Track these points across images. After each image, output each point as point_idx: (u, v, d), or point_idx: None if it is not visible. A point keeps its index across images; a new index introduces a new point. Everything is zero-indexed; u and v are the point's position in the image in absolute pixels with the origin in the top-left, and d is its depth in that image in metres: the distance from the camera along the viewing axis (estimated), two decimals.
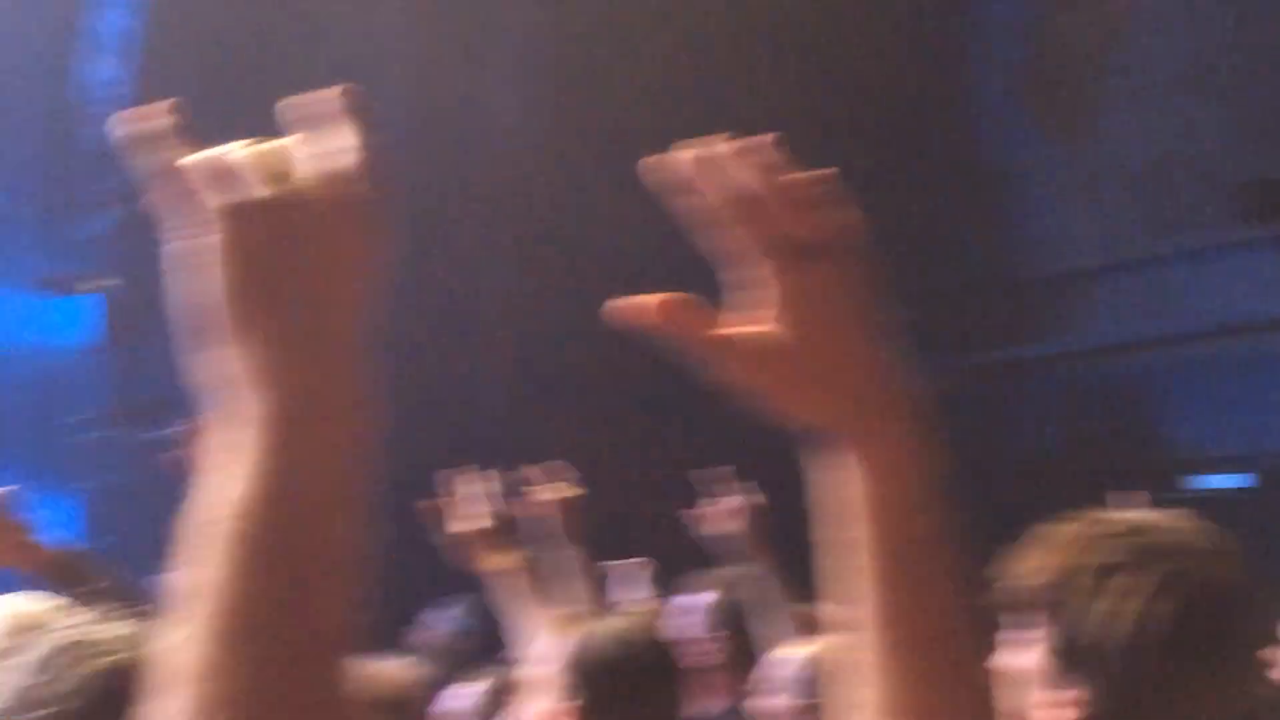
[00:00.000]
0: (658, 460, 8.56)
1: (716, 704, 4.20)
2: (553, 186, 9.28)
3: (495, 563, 3.56)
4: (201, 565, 0.96)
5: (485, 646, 5.26)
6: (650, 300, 1.20)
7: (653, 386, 8.54)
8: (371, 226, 1.04)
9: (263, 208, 1.01)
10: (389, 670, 3.52)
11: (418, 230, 9.26)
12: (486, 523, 3.54)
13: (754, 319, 1.25)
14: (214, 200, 1.01)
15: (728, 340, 1.23)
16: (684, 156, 1.22)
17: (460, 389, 9.12)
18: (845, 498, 1.27)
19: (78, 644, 1.93)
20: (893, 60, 9.94)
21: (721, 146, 1.21)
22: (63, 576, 2.95)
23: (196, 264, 1.01)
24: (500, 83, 9.33)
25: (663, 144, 1.24)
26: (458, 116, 9.37)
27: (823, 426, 1.26)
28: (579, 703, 2.69)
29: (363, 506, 1.00)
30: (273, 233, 1.01)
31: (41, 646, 2.02)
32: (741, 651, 4.20)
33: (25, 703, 1.93)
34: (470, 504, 3.54)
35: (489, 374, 9.27)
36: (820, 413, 1.26)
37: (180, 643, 0.95)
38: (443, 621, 6.29)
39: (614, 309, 1.20)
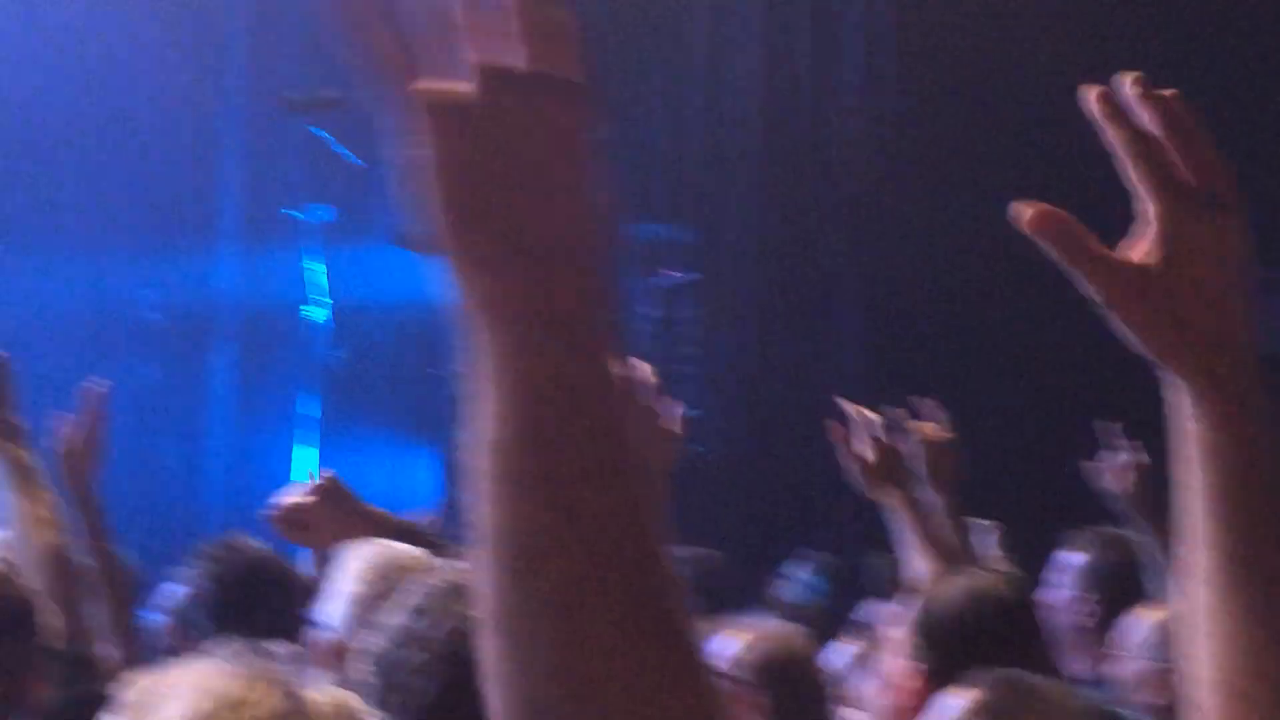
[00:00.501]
0: (1044, 410, 8.41)
1: (1084, 668, 4.10)
2: (901, 146, 9.17)
3: (883, 496, 3.56)
4: (480, 506, 0.94)
5: (836, 608, 5.24)
6: (1031, 208, 1.26)
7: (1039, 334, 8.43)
8: (587, 128, 0.96)
9: (472, 114, 0.94)
10: (775, 629, 3.51)
11: (775, 189, 9.29)
12: (872, 455, 3.54)
13: (1136, 249, 1.32)
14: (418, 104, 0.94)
15: (1104, 259, 1.30)
16: (1092, 92, 1.30)
17: (819, 340, 9.10)
18: (1190, 443, 1.31)
19: (455, 587, 1.97)
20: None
21: (1129, 87, 1.30)
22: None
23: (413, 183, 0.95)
24: (849, 52, 9.25)
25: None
26: (807, 85, 9.35)
27: (1175, 366, 1.31)
28: (925, 666, 2.58)
29: (624, 424, 0.95)
30: (482, 144, 0.94)
31: (418, 589, 2.08)
32: (1112, 615, 4.08)
33: (402, 643, 1.99)
34: (862, 434, 3.53)
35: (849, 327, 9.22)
36: (1175, 351, 1.31)
37: (482, 585, 0.93)
38: (797, 578, 6.30)
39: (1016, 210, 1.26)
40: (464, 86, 0.93)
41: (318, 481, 3.53)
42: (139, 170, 10.22)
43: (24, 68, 10.03)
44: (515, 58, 0.93)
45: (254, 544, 3.75)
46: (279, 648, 2.48)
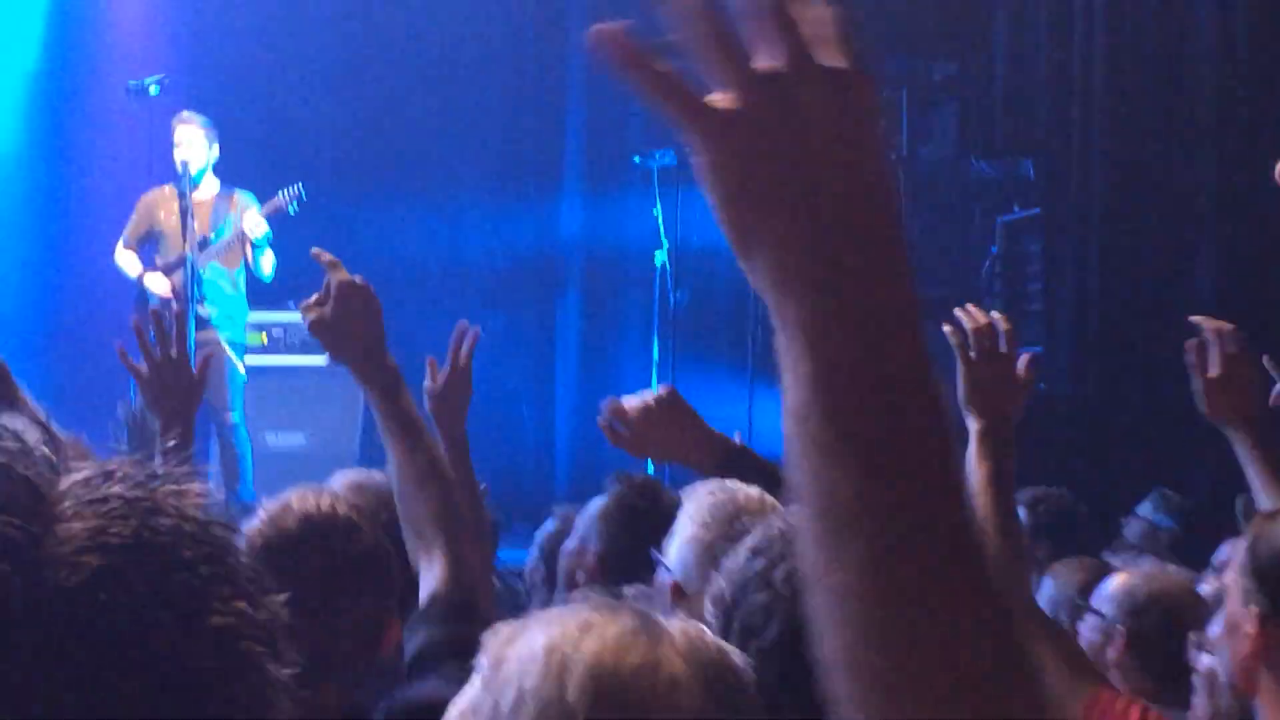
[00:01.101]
0: None
1: None
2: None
3: (1225, 422, 3.42)
4: (796, 471, 0.97)
5: (1192, 547, 5.11)
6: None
7: None
8: (866, 105, 0.98)
9: (750, 110, 0.97)
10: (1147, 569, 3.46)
11: (1118, 117, 9.01)
12: (1215, 371, 3.38)
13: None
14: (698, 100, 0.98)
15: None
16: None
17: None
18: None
19: (792, 528, 1.99)
20: None
21: None
22: (731, 471, 3.03)
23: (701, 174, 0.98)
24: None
25: None
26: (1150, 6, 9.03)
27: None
28: (1258, 609, 2.44)
29: (927, 386, 0.97)
30: (759, 134, 0.97)
31: (757, 531, 2.11)
32: None
33: (742, 585, 2.02)
34: (1214, 352, 3.38)
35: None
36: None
37: (803, 543, 0.97)
38: (1148, 517, 6.15)
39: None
40: (732, 93, 0.97)
41: (657, 393, 3.46)
42: (486, 121, 10.51)
43: (376, 26, 10.41)
44: (781, 55, 0.96)
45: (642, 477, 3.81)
46: (629, 589, 2.52)
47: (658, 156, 8.95)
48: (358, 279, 2.90)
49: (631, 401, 3.45)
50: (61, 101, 10.25)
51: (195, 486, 0.91)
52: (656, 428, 3.37)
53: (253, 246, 8.32)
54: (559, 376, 10.56)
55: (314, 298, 2.90)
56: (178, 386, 3.25)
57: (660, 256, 9.00)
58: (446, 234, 10.47)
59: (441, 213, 10.46)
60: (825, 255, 0.97)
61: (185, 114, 8.40)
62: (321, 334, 2.88)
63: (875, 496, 0.95)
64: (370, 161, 10.31)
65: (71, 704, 0.84)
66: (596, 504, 3.64)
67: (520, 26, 10.54)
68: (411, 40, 10.35)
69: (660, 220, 8.95)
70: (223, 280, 8.42)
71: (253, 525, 2.47)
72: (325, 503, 2.50)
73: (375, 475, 3.27)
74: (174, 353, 3.27)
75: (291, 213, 8.42)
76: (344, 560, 2.46)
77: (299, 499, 2.49)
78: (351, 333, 2.86)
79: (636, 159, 9.24)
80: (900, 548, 0.94)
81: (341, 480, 3.31)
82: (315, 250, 3.00)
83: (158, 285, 8.35)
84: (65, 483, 0.90)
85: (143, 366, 3.26)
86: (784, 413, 0.98)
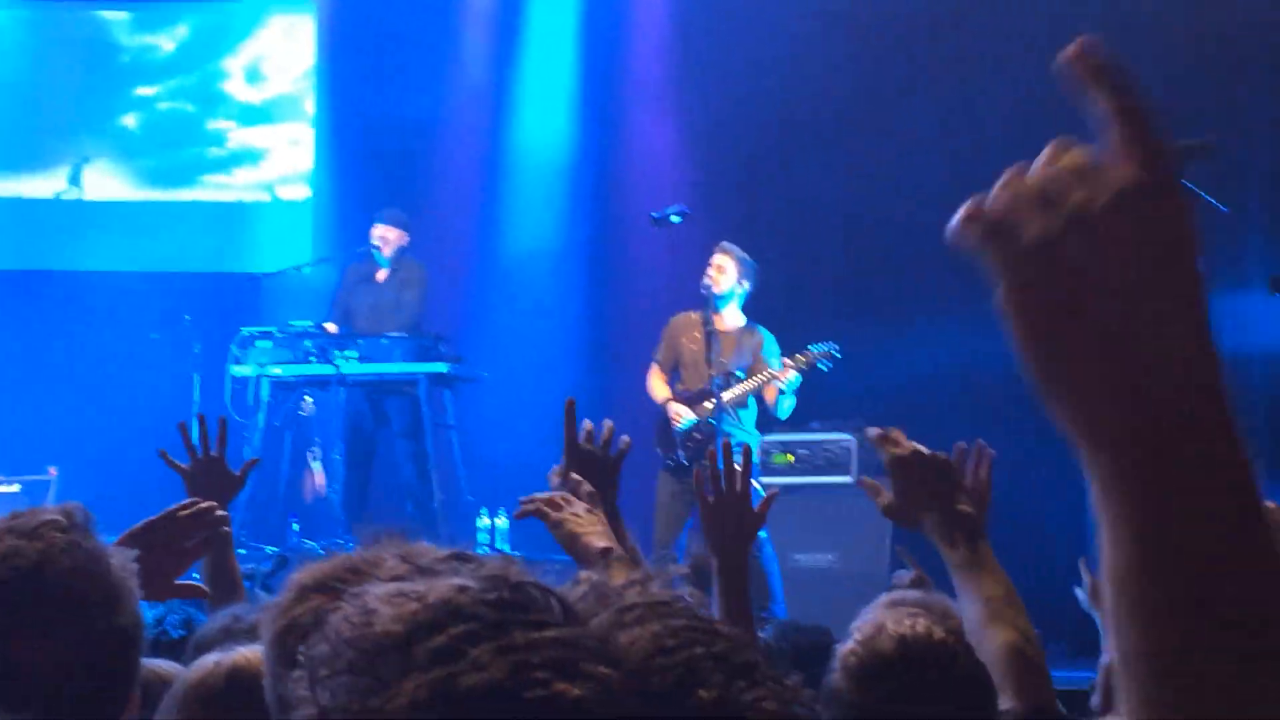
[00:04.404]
0: None
1: None
2: None
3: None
4: (1116, 628, 0.92)
5: None
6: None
7: None
8: (1177, 217, 0.89)
9: (1036, 249, 0.90)
10: None
11: None
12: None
13: None
14: (989, 250, 0.92)
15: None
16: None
17: None
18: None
19: None
20: None
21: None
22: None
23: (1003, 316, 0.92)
24: None
25: None
26: None
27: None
28: None
29: (1256, 537, 0.89)
30: (1057, 269, 0.90)
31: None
32: None
33: None
34: None
35: None
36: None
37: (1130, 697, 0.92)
38: None
39: None
40: (1041, 221, 0.91)
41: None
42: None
43: (886, 137, 10.49)
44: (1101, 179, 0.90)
45: None
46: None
47: None
48: (919, 450, 3.03)
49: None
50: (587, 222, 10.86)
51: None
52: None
53: (779, 393, 8.48)
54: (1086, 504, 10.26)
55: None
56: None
57: None
58: (966, 347, 10.37)
59: (966, 322, 10.36)
60: (1145, 401, 0.89)
61: (724, 243, 8.67)
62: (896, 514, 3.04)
63: (1200, 659, 0.89)
64: (881, 278, 10.35)
65: None
66: None
67: (1035, 131, 10.40)
68: (922, 144, 10.38)
69: None
70: (742, 411, 8.62)
71: (848, 646, 2.49)
72: (921, 626, 2.50)
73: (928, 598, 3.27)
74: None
75: (824, 370, 8.51)
76: (939, 682, 2.44)
77: (894, 621, 2.49)
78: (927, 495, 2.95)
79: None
80: (1235, 701, 0.88)
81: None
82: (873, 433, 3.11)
83: (680, 414, 8.59)
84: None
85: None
86: (1102, 570, 0.92)
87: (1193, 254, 0.90)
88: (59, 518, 1.98)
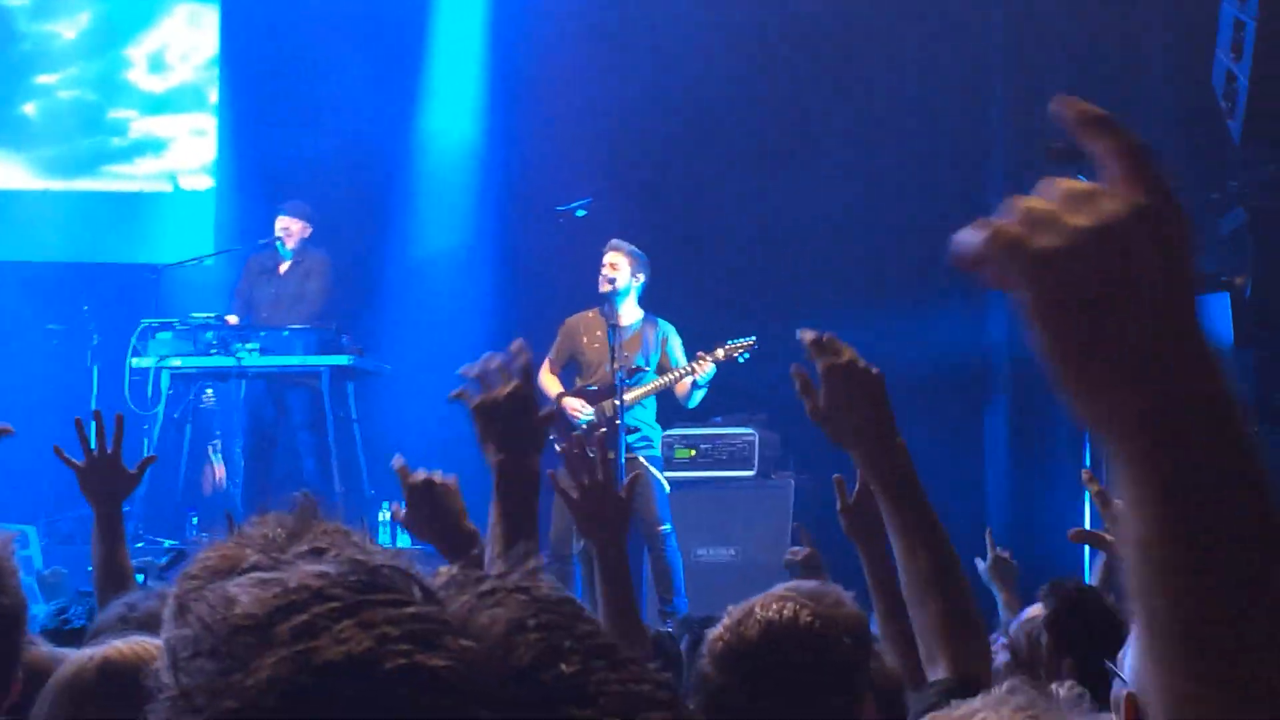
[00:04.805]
0: None
1: None
2: None
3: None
4: (1139, 596, 1.02)
5: None
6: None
7: None
8: (1172, 234, 1.02)
9: (1062, 254, 1.02)
10: None
11: None
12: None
13: None
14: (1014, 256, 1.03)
15: None
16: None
17: None
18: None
19: None
20: None
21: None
22: None
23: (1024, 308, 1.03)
24: None
25: None
26: None
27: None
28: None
29: (1266, 497, 1.00)
30: (1079, 276, 1.02)
31: None
32: None
33: None
34: None
35: None
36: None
37: (1149, 665, 1.01)
38: None
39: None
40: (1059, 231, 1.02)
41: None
42: (907, 226, 10.48)
43: (792, 135, 10.55)
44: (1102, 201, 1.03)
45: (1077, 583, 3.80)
46: (1066, 689, 2.43)
47: None
48: (857, 360, 2.86)
49: None
50: (494, 218, 10.83)
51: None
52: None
53: (694, 385, 8.51)
54: (989, 486, 10.38)
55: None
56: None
57: None
58: (870, 340, 10.42)
59: (865, 319, 10.44)
60: (1160, 396, 1.01)
61: (614, 241, 8.68)
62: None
63: (1224, 620, 0.99)
64: (791, 273, 10.40)
65: None
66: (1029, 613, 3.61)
67: (941, 127, 10.51)
68: (831, 144, 10.45)
69: None
70: (642, 405, 8.64)
71: (715, 632, 2.48)
72: (789, 610, 2.49)
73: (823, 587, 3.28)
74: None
75: (740, 362, 8.54)
76: (810, 666, 2.44)
77: (762, 606, 2.49)
78: (861, 416, 2.82)
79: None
80: (1258, 664, 0.98)
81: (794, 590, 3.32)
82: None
83: (579, 408, 8.60)
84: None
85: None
86: (1128, 545, 1.02)
87: (1191, 261, 1.03)
88: None
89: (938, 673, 2.64)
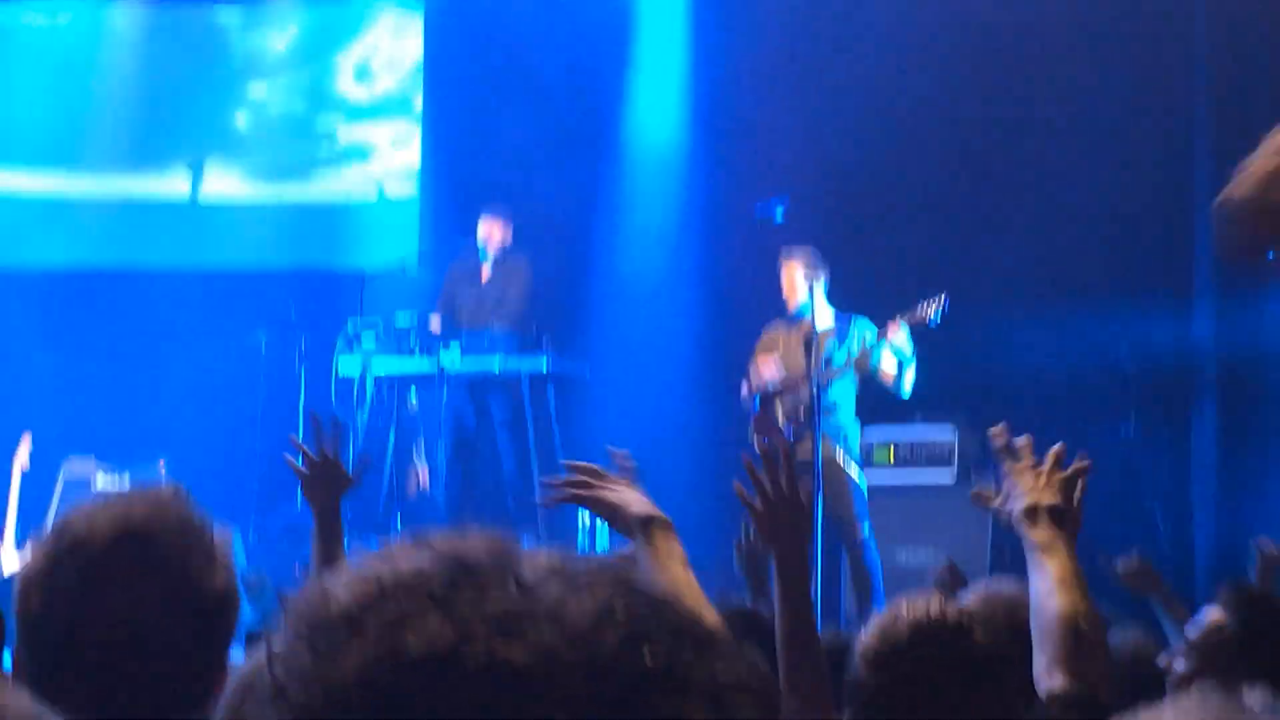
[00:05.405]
0: None
1: None
2: None
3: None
4: None
5: None
6: None
7: None
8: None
9: None
10: None
11: None
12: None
13: None
14: None
15: None
16: None
17: None
18: None
19: None
20: None
21: None
22: None
23: None
24: None
25: None
26: None
27: None
28: None
29: None
30: None
31: None
32: None
33: None
34: None
35: None
36: None
37: None
38: None
39: None
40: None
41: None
42: (1110, 221, 10.26)
43: (988, 129, 10.39)
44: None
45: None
46: (1258, 695, 2.35)
47: None
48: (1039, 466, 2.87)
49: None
50: (696, 221, 10.87)
51: None
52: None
53: (899, 365, 8.41)
54: (1195, 491, 10.09)
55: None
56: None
57: None
58: (1069, 341, 10.24)
59: (1062, 318, 10.24)
60: None
61: (785, 250, 8.66)
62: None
63: None
64: (984, 269, 10.24)
65: None
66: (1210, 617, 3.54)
67: (1143, 113, 10.26)
68: (1023, 141, 10.27)
69: None
70: (841, 403, 8.57)
71: (865, 635, 2.47)
72: (935, 608, 2.47)
73: (1012, 586, 3.22)
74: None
75: (933, 324, 8.41)
76: (951, 664, 2.41)
77: (909, 606, 2.47)
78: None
79: (1270, 254, 8.76)
80: None
81: (977, 591, 3.27)
82: None
83: (772, 369, 8.59)
84: None
85: (303, 468, 3.76)
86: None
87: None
88: (167, 489, 2.12)
89: (1055, 680, 2.59)
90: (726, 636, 0.90)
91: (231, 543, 2.17)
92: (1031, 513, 2.76)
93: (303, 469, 3.77)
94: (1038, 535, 2.74)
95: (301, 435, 3.74)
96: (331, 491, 3.73)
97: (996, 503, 2.84)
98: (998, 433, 2.85)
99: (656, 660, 0.85)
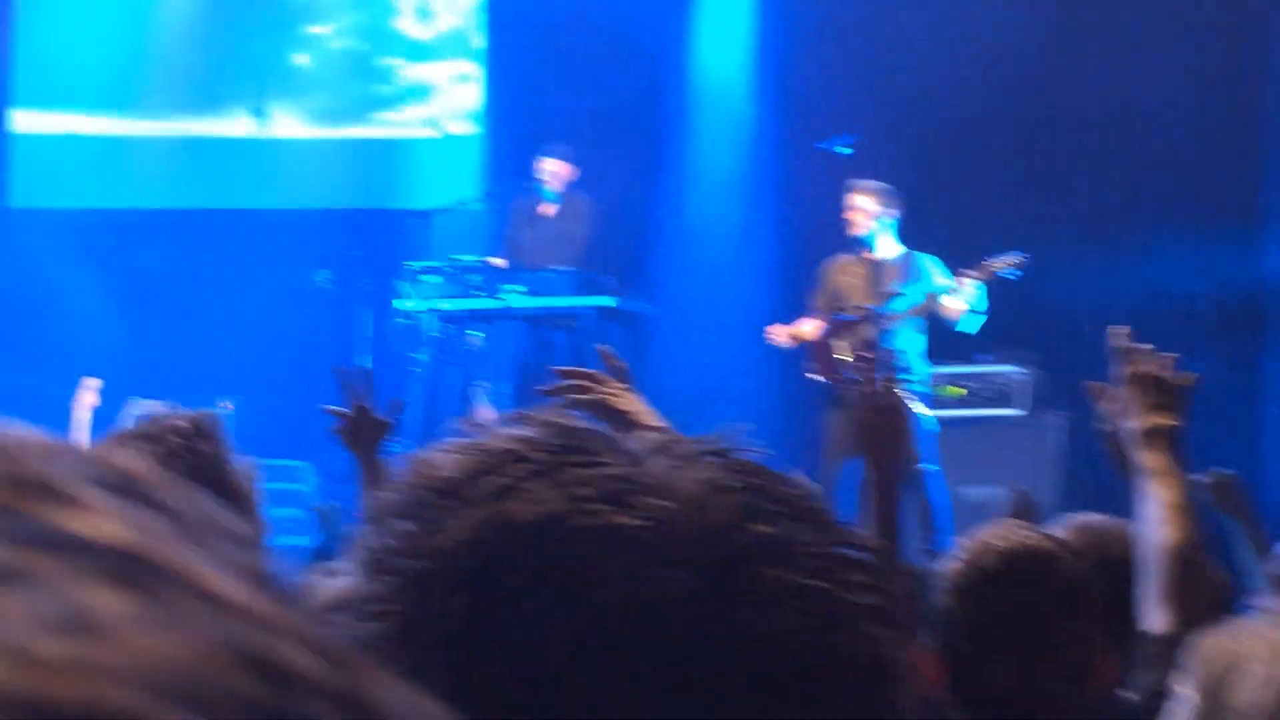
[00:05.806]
0: None
1: None
2: None
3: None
4: None
5: None
6: None
7: None
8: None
9: None
10: None
11: None
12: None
13: None
14: None
15: None
16: None
17: None
18: None
19: None
20: None
21: None
22: None
23: None
24: None
25: None
26: None
27: None
28: None
29: None
30: None
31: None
32: None
33: None
34: None
35: None
36: None
37: None
38: None
39: None
40: None
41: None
42: (1176, 156, 10.13)
43: (1052, 64, 10.27)
44: None
45: None
46: None
47: None
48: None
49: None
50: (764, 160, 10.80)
51: None
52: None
53: (969, 312, 8.33)
54: (1265, 426, 9.98)
55: None
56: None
57: None
58: (1134, 274, 10.12)
59: (1128, 252, 10.12)
60: None
61: (853, 182, 8.56)
62: None
63: None
64: (1052, 208, 10.14)
65: None
66: None
67: (1208, 52, 10.10)
68: (1092, 74, 10.14)
69: None
70: (908, 340, 8.49)
71: (951, 563, 2.43)
72: (1026, 536, 2.44)
73: (1108, 520, 3.17)
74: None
75: (1011, 280, 8.32)
76: (1044, 592, 2.37)
77: (998, 534, 2.44)
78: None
79: None
80: None
81: (1071, 522, 3.23)
82: None
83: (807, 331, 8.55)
84: None
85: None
86: None
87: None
88: (183, 424, 2.06)
89: (1159, 615, 2.54)
90: (834, 512, 0.89)
91: (254, 474, 2.12)
92: (1152, 434, 2.69)
93: (339, 425, 3.78)
94: (1153, 460, 2.67)
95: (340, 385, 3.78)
96: (371, 441, 3.74)
97: (1111, 408, 2.78)
98: (1120, 332, 2.80)
99: (767, 530, 0.84)
